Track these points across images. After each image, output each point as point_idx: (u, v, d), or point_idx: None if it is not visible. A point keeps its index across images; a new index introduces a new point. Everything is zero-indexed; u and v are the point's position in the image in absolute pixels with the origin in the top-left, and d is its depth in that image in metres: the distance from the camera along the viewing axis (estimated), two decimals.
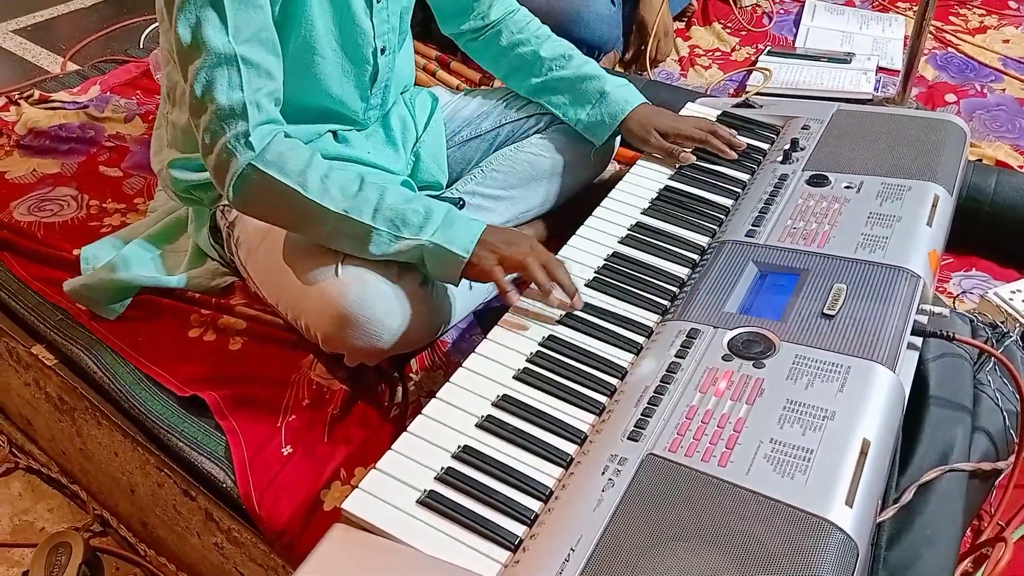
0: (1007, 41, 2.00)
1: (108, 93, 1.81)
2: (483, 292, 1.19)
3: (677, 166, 1.23)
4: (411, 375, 1.13)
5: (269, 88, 1.01)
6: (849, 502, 0.71)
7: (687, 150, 1.24)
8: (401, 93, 1.30)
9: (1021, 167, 1.56)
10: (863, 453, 0.75)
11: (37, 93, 1.79)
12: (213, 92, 0.97)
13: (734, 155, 1.22)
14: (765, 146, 1.25)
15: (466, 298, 1.16)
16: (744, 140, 1.25)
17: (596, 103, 1.27)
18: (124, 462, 1.18)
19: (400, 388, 1.12)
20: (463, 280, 1.09)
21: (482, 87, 1.68)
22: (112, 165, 1.60)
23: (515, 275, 1.01)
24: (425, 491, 0.79)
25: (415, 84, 1.39)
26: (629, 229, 1.12)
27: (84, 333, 1.23)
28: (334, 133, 1.21)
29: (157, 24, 1.19)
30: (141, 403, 1.12)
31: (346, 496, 0.79)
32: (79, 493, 1.35)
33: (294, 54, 1.08)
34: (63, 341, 1.22)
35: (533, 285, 1.00)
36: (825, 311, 0.90)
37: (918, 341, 0.95)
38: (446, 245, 1.00)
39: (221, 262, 1.26)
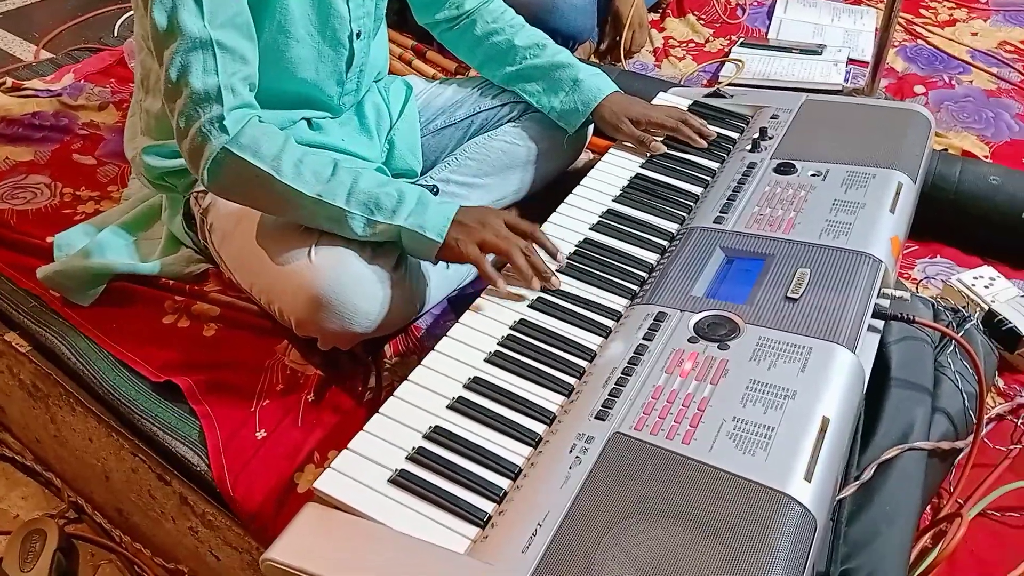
0: (975, 34, 2.03)
1: (82, 81, 1.81)
2: (458, 277, 1.20)
3: (648, 154, 1.25)
4: (385, 360, 1.14)
5: (244, 73, 1.02)
6: (808, 477, 0.73)
7: (658, 139, 1.25)
8: (375, 81, 1.31)
9: (987, 157, 1.59)
10: (822, 430, 0.77)
11: (10, 81, 1.78)
12: (188, 76, 0.98)
13: (704, 143, 1.24)
14: (735, 135, 1.27)
15: (441, 283, 1.17)
16: (714, 129, 1.27)
17: (569, 91, 1.29)
18: (98, 448, 1.19)
19: (374, 373, 1.13)
20: (439, 265, 1.11)
21: (458, 76, 1.69)
22: (86, 153, 1.59)
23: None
24: (396, 470, 0.81)
25: (391, 73, 1.40)
26: (600, 216, 1.14)
27: (58, 320, 1.23)
28: (308, 120, 1.21)
29: (131, 12, 1.19)
30: (115, 389, 1.13)
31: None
32: (53, 480, 1.35)
33: (269, 38, 1.09)
34: (37, 328, 1.22)
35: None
36: (789, 295, 0.92)
37: (879, 324, 0.97)
38: (419, 229, 1.01)
39: (195, 249, 1.27)
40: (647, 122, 1.26)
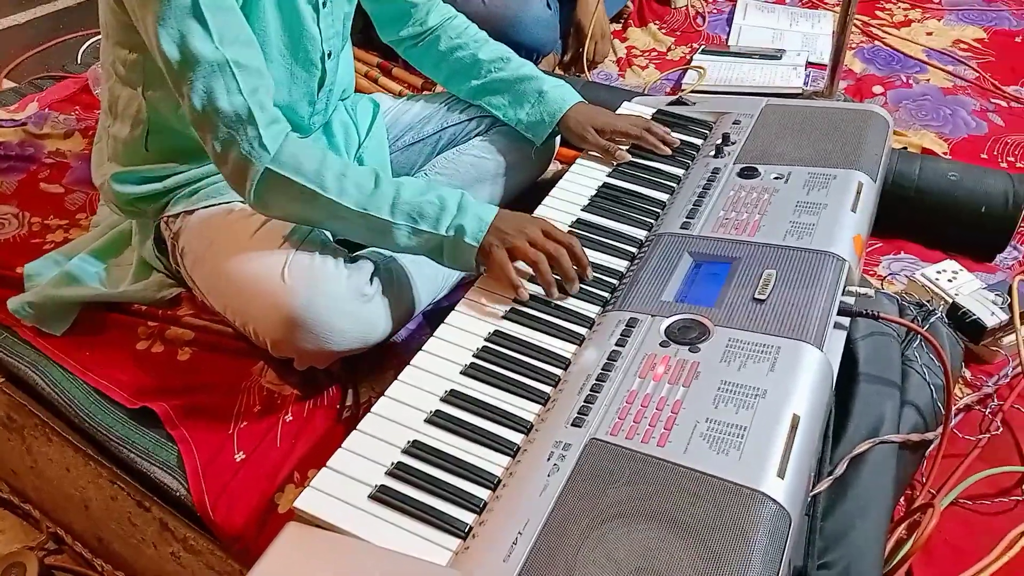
0: (930, 33, 2.08)
1: (47, 110, 1.80)
2: (434, 290, 1.20)
3: (614, 164, 1.27)
4: (362, 377, 1.14)
5: (265, 86, 1.02)
6: (781, 474, 0.74)
7: (623, 147, 1.27)
8: (341, 99, 1.32)
9: (945, 154, 1.63)
10: (793, 428, 0.78)
11: None
12: (215, 102, 0.98)
13: (668, 151, 1.26)
14: (698, 141, 1.29)
15: (418, 296, 1.17)
16: (678, 136, 1.29)
17: (535, 103, 1.30)
18: (76, 477, 1.18)
19: (351, 390, 1.13)
20: (419, 278, 1.11)
21: (424, 92, 1.70)
22: (53, 181, 1.58)
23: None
24: (376, 486, 0.81)
25: (358, 91, 1.41)
26: (570, 226, 1.15)
27: (31, 350, 1.22)
28: None
29: (95, 39, 1.18)
30: (91, 417, 1.12)
31: None
32: (31, 512, 1.34)
33: None
34: (9, 359, 1.21)
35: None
36: (756, 296, 0.94)
37: (845, 321, 0.99)
38: (460, 236, 1.02)
39: (167, 273, 1.26)
40: (612, 131, 1.28)
